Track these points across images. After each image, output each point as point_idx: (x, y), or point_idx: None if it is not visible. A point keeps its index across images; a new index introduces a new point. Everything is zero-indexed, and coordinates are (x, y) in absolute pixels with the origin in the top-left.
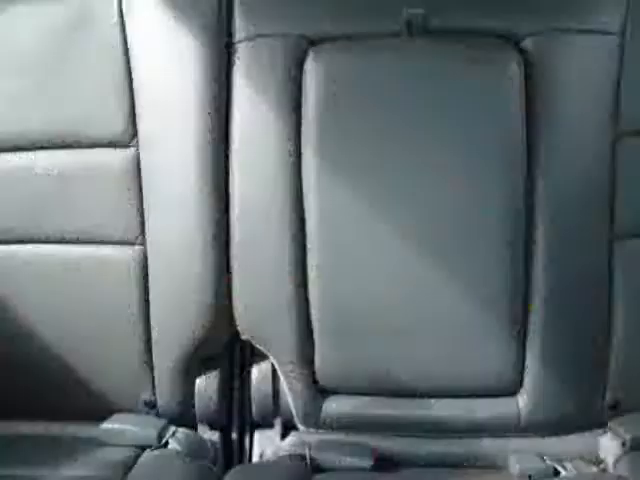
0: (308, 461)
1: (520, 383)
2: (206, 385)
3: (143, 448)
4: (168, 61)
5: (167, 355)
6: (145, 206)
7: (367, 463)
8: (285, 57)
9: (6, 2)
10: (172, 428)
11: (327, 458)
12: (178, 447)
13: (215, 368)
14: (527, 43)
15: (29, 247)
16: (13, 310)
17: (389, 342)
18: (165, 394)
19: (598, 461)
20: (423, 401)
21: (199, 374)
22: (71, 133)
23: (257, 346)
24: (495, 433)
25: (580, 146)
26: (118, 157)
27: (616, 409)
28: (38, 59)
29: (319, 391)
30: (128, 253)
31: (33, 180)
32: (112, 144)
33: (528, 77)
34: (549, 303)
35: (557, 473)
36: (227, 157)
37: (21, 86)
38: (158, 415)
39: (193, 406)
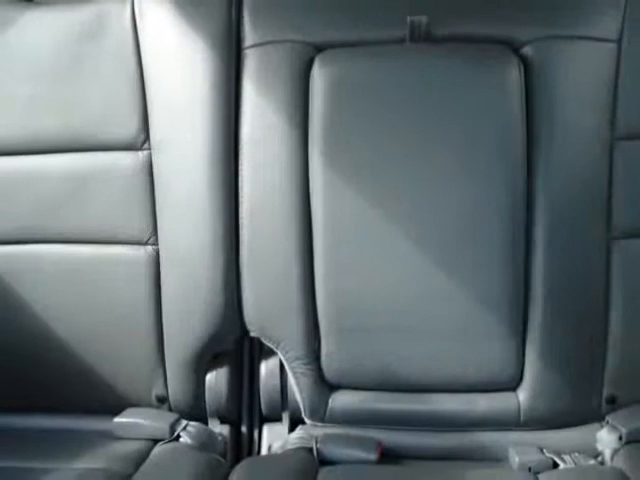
0: (315, 454)
1: (520, 378)
2: (216, 380)
3: (155, 441)
4: (179, 67)
5: (178, 352)
6: (157, 207)
7: (372, 456)
8: (292, 63)
9: (23, 8)
10: (183, 422)
11: (333, 451)
12: (189, 440)
13: (225, 364)
14: (527, 50)
15: (44, 247)
16: (30, 308)
17: (393, 339)
18: (177, 389)
19: (596, 454)
20: (426, 396)
21: (209, 370)
22: (85, 137)
23: (265, 343)
24: (496, 427)
25: (578, 149)
26: (131, 160)
27: (613, 403)
28: (54, 65)
29: (326, 386)
30: (141, 253)
31: (48, 182)
32: (125, 147)
33: (528, 82)
34: (548, 301)
35: (556, 465)
36: (236, 159)
37: (37, 91)
38: (170, 409)
39: (204, 401)
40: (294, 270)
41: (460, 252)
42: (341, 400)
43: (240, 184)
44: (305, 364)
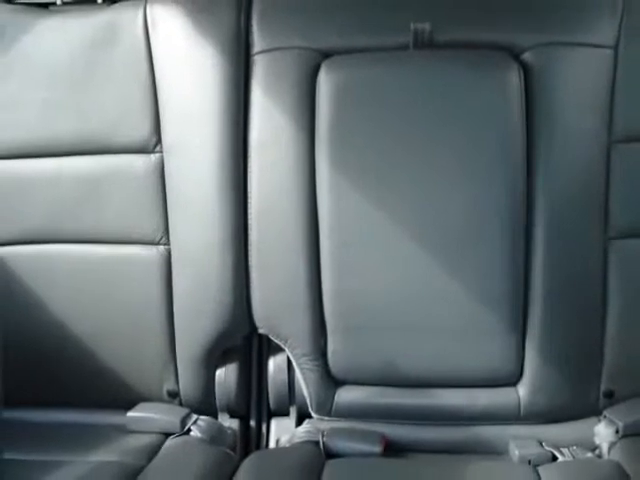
0: (321, 447)
1: (520, 374)
2: (226, 376)
3: (167, 435)
4: (190, 73)
5: (189, 348)
6: (169, 208)
7: (376, 449)
8: (300, 68)
9: (38, 16)
10: (194, 416)
11: (339, 444)
12: (199, 434)
13: (234, 360)
14: (527, 55)
15: (60, 247)
16: (46, 306)
17: (397, 336)
18: (187, 385)
19: (593, 447)
20: (429, 391)
21: (219, 366)
22: (99, 140)
23: (274, 340)
24: (496, 421)
25: (577, 152)
26: (143, 162)
27: (610, 398)
28: (68, 70)
29: (331, 382)
30: (153, 252)
31: (63, 184)
32: (138, 150)
33: (528, 87)
34: (548, 299)
35: (555, 458)
36: (245, 162)
37: (52, 96)
38: (181, 404)
39: (214, 396)
40: (301, 269)
41: (462, 252)
42: (346, 395)
43: (249, 186)
44: (312, 360)
